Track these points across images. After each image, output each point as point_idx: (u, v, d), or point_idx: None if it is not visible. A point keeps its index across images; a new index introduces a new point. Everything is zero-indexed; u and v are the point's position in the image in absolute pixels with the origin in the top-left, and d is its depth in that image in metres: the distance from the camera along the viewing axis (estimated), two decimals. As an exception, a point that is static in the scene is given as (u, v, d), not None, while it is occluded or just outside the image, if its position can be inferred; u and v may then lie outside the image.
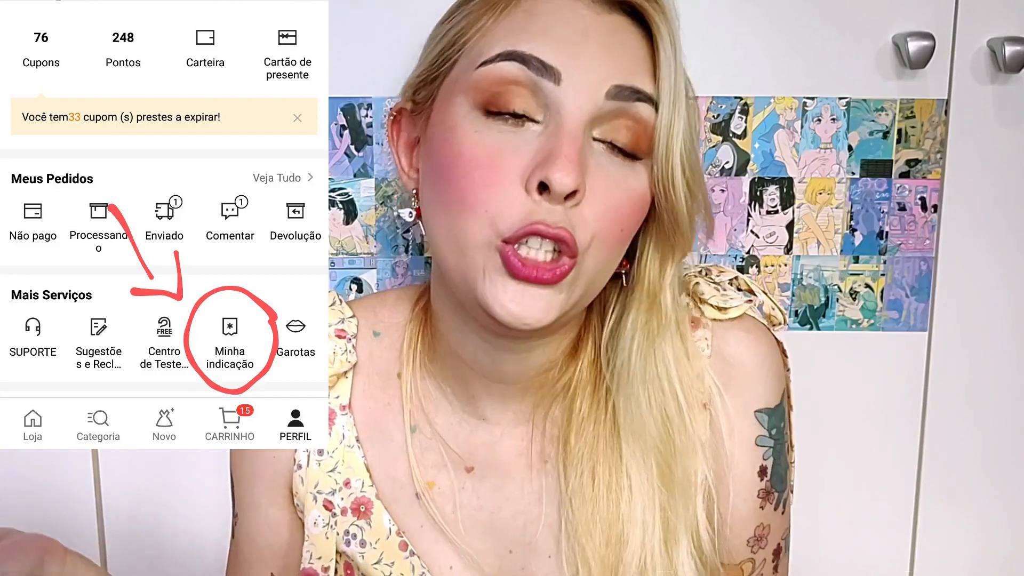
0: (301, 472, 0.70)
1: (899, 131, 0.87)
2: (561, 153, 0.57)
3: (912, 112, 0.86)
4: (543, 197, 0.58)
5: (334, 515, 0.70)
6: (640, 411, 0.66)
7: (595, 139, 0.61)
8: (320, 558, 0.71)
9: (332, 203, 0.86)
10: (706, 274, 0.73)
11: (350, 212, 0.86)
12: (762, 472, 0.71)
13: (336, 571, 0.71)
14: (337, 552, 0.71)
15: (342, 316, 0.72)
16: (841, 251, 0.89)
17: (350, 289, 0.87)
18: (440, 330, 0.69)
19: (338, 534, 0.70)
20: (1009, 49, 0.83)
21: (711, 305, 0.71)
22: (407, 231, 0.87)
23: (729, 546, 0.71)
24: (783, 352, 0.73)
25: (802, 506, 0.91)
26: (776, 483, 0.72)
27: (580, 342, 0.71)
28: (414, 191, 0.67)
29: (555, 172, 0.57)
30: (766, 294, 0.74)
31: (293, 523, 0.73)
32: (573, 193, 0.58)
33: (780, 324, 0.74)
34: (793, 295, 0.89)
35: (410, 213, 0.68)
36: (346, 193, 0.85)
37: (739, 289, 0.73)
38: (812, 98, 0.86)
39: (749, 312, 0.71)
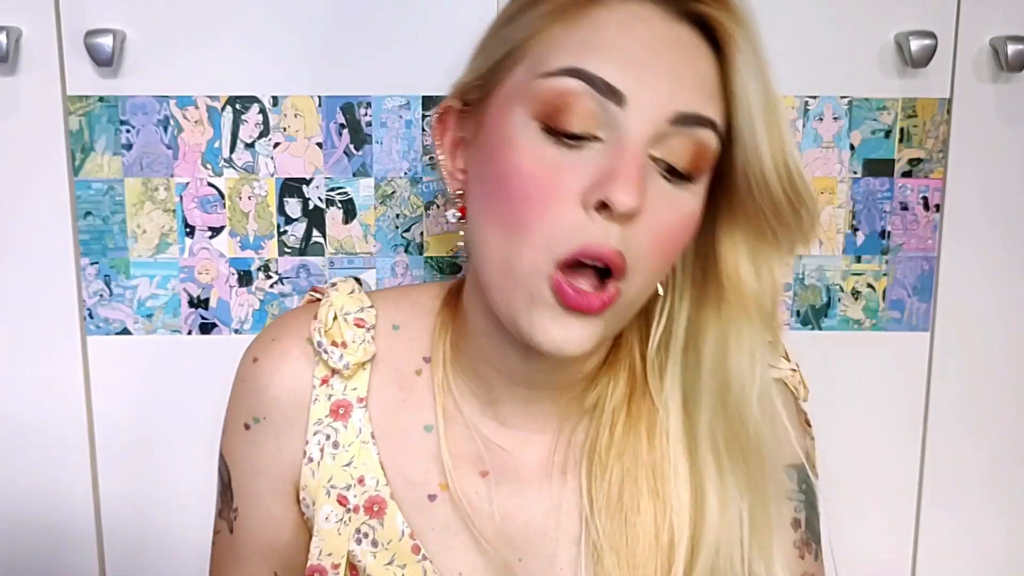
0: (312, 465, 0.69)
1: (901, 130, 0.86)
2: (623, 173, 0.56)
3: (914, 111, 0.86)
4: (601, 215, 0.57)
5: (348, 511, 0.69)
6: (739, 426, 0.65)
7: (652, 158, 0.59)
8: (331, 554, 0.69)
9: (331, 203, 0.85)
10: None
11: (349, 212, 0.86)
12: (795, 524, 0.71)
13: (344, 574, 0.70)
14: (346, 557, 0.69)
15: (362, 305, 0.71)
16: (843, 251, 0.89)
17: (350, 289, 0.87)
18: (470, 331, 0.68)
19: (351, 531, 0.69)
20: (1011, 48, 0.83)
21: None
22: (407, 230, 0.87)
23: None
24: (807, 423, 0.75)
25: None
26: (812, 536, 0.73)
27: (616, 360, 0.70)
28: (459, 192, 0.66)
29: (617, 192, 0.56)
30: (797, 367, 0.75)
31: (295, 521, 0.71)
32: (632, 213, 0.57)
33: (803, 399, 0.75)
34: (795, 295, 0.89)
35: (455, 215, 0.66)
36: (345, 192, 0.85)
37: (779, 354, 0.73)
38: (814, 97, 0.86)
39: (785, 380, 0.73)
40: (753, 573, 0.66)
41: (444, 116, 0.66)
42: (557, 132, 0.58)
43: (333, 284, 0.72)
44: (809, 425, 0.76)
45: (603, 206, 0.57)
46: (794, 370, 0.74)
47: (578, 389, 0.69)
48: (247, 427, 0.70)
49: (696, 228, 0.62)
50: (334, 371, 0.69)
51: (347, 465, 0.69)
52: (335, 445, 0.69)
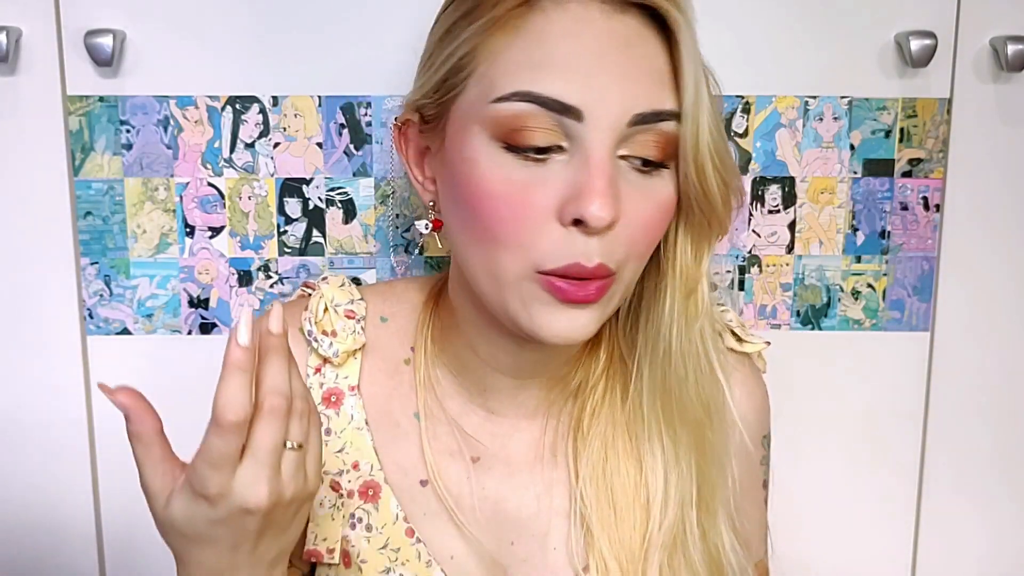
0: None
1: (901, 130, 0.86)
2: (593, 187, 0.57)
3: (914, 111, 0.86)
4: (579, 230, 0.58)
5: (341, 496, 0.70)
6: (682, 387, 0.68)
7: (620, 157, 0.60)
8: (325, 539, 0.70)
9: (331, 202, 0.85)
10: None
11: (349, 212, 0.86)
12: (764, 485, 0.77)
13: (338, 558, 0.71)
14: (340, 542, 0.71)
15: (351, 297, 0.72)
16: (843, 251, 0.88)
17: (350, 289, 0.87)
18: (458, 325, 0.69)
19: (344, 516, 0.70)
20: (1011, 48, 0.83)
21: (733, 334, 0.74)
22: (407, 230, 0.86)
23: (750, 546, 0.74)
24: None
25: (803, 507, 0.91)
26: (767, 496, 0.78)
27: (598, 338, 0.72)
28: (431, 203, 0.66)
29: (590, 207, 0.56)
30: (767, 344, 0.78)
31: None
32: (610, 224, 0.58)
33: (763, 371, 0.78)
34: (795, 295, 0.89)
35: (426, 225, 0.67)
36: (345, 192, 0.85)
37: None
38: (814, 97, 0.86)
39: (762, 354, 0.76)
40: (705, 531, 0.69)
41: (404, 129, 0.67)
42: (520, 150, 0.58)
43: (324, 278, 0.74)
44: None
45: (578, 222, 0.57)
46: (768, 343, 0.76)
47: (564, 372, 0.71)
48: None
49: (675, 207, 0.63)
50: (325, 360, 0.70)
51: (340, 451, 0.70)
52: (327, 432, 0.70)
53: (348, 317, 0.71)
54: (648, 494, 0.69)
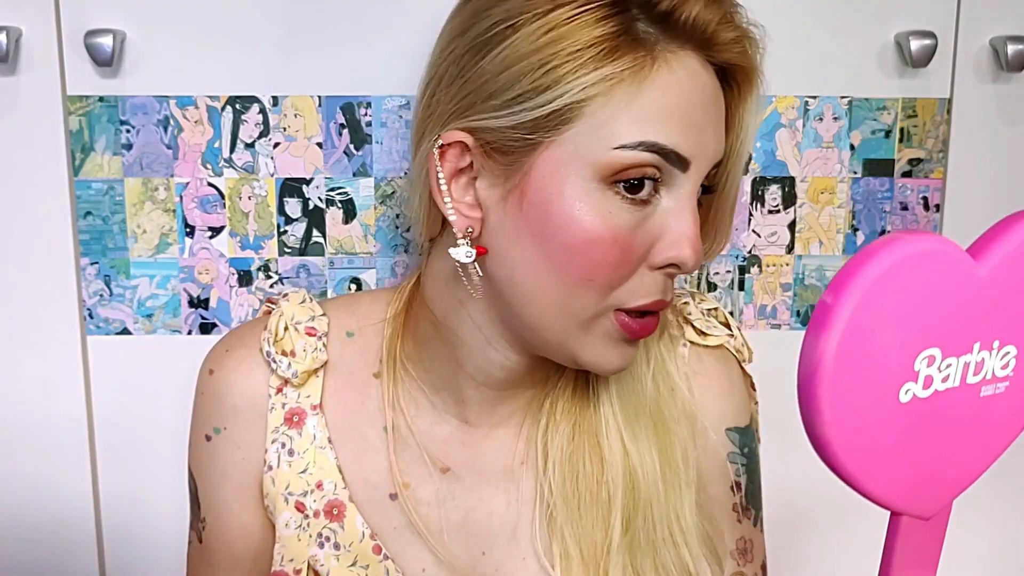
0: (272, 473, 0.70)
1: (901, 130, 0.86)
2: (692, 233, 0.60)
3: (914, 111, 0.86)
4: (666, 272, 0.61)
5: (306, 517, 0.70)
6: (638, 386, 0.70)
7: None
8: (292, 560, 0.70)
9: (331, 203, 0.85)
10: (694, 297, 0.77)
11: (349, 212, 0.86)
12: (736, 487, 0.74)
13: None
14: (307, 563, 0.71)
15: (312, 314, 0.72)
16: (843, 251, 0.89)
17: (349, 289, 0.87)
18: (440, 337, 0.68)
19: (311, 536, 0.70)
20: (1011, 48, 0.83)
21: (694, 327, 0.75)
22: (407, 230, 0.86)
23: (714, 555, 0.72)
24: (752, 386, 0.77)
25: (803, 507, 0.91)
26: (751, 501, 0.75)
27: None
28: (469, 229, 0.62)
29: (688, 253, 0.60)
30: (738, 330, 0.77)
31: (264, 526, 0.72)
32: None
33: (747, 361, 0.77)
34: (795, 295, 0.89)
35: (468, 254, 0.62)
36: (345, 192, 0.85)
37: (718, 321, 0.76)
38: (814, 97, 0.86)
39: (726, 345, 0.75)
40: (670, 527, 0.68)
41: (444, 148, 0.62)
42: (626, 196, 0.59)
43: (284, 295, 0.74)
44: (754, 388, 0.78)
45: (672, 265, 0.61)
46: (731, 335, 0.76)
47: (544, 381, 0.71)
48: (208, 438, 0.71)
49: None
50: (286, 380, 0.70)
51: (303, 472, 0.70)
52: (290, 452, 0.70)
53: (309, 335, 0.70)
54: (609, 491, 0.69)
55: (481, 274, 0.63)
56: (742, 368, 0.76)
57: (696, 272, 0.87)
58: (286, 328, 0.70)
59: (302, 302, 0.72)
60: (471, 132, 0.61)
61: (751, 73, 0.63)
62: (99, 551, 0.90)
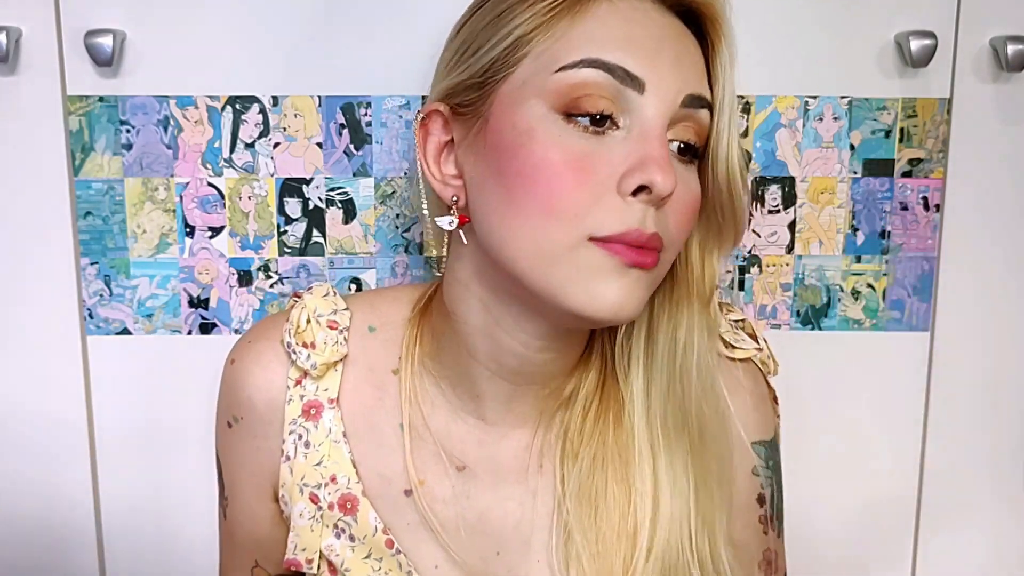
0: (289, 463, 0.70)
1: (901, 130, 0.86)
2: (657, 156, 0.59)
3: (914, 111, 0.86)
4: (638, 200, 0.59)
5: (320, 508, 0.70)
6: (685, 406, 0.68)
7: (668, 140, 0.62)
8: (304, 550, 0.71)
9: (331, 203, 0.85)
10: (721, 308, 0.75)
11: (349, 212, 0.86)
12: (760, 500, 0.74)
13: (319, 568, 0.71)
14: (320, 553, 0.71)
15: (335, 308, 0.72)
16: (843, 251, 0.88)
17: (349, 289, 0.87)
18: (454, 329, 0.68)
19: (326, 526, 0.70)
20: (1011, 48, 0.83)
21: (723, 339, 0.74)
22: (407, 230, 0.86)
23: (743, 570, 0.72)
24: (775, 399, 0.77)
25: (803, 507, 0.91)
26: (776, 513, 0.75)
27: (591, 350, 0.72)
28: (454, 198, 0.65)
29: (657, 174, 0.58)
30: (765, 342, 0.77)
31: (274, 516, 0.73)
32: (670, 193, 0.59)
33: (771, 373, 0.77)
34: (795, 295, 0.89)
35: (451, 222, 0.65)
36: (345, 192, 0.85)
37: (746, 333, 0.76)
38: (814, 97, 0.86)
39: (753, 359, 0.75)
40: (700, 551, 0.67)
41: (426, 122, 0.66)
42: (579, 118, 0.60)
43: (309, 288, 0.74)
44: (776, 402, 0.77)
45: (641, 190, 0.59)
46: (759, 348, 0.75)
47: (560, 381, 0.71)
48: (229, 425, 0.72)
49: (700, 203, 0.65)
50: (305, 372, 0.70)
51: (318, 464, 0.70)
52: (307, 444, 0.70)
53: (331, 328, 0.70)
54: (635, 522, 0.68)
55: (466, 242, 0.65)
56: (767, 381, 0.76)
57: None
58: (308, 320, 0.70)
59: (325, 295, 0.73)
60: (443, 99, 0.65)
61: (713, 15, 0.63)
62: (99, 551, 0.90)
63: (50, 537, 0.89)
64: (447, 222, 0.65)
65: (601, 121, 0.60)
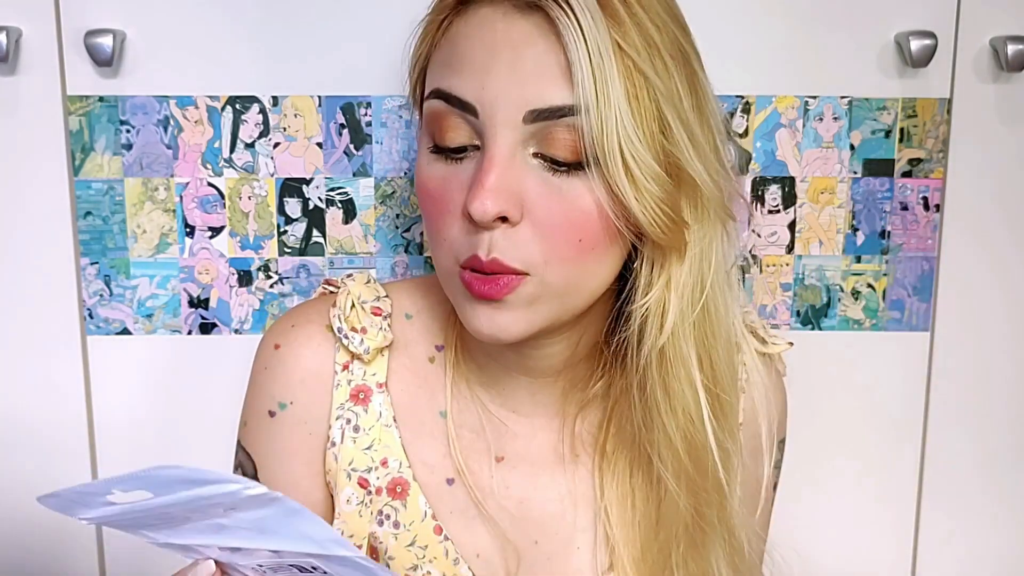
0: (335, 449, 0.70)
1: (901, 130, 0.86)
2: (480, 181, 0.58)
3: (914, 111, 0.86)
4: (474, 227, 0.59)
5: (369, 493, 0.70)
6: (667, 421, 0.66)
7: (534, 155, 0.59)
8: (352, 536, 0.70)
9: (331, 203, 0.85)
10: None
11: (349, 212, 0.86)
12: (774, 488, 0.77)
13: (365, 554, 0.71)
14: (367, 539, 0.71)
15: (377, 295, 0.72)
16: (843, 251, 0.88)
17: (350, 289, 0.87)
18: None
19: (372, 513, 0.70)
20: (1011, 48, 0.83)
21: (756, 335, 0.74)
22: (407, 230, 0.86)
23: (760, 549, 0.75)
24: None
25: (802, 507, 0.91)
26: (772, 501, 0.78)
27: (618, 347, 0.70)
28: None
29: (473, 201, 0.58)
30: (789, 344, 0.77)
31: (327, 502, 0.72)
32: (504, 219, 0.58)
33: (783, 374, 0.78)
34: (795, 295, 0.89)
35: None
36: (345, 192, 0.85)
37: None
38: (814, 97, 0.86)
39: (782, 355, 0.76)
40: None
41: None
42: (441, 149, 0.61)
43: (349, 275, 0.74)
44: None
45: (468, 216, 0.59)
46: (791, 343, 0.76)
47: (579, 375, 0.70)
48: (272, 414, 0.70)
49: (607, 213, 0.59)
50: (354, 356, 0.70)
51: (368, 448, 0.70)
52: (356, 429, 0.70)
53: (375, 314, 0.70)
54: (669, 533, 0.69)
55: None
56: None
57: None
58: (352, 306, 0.70)
59: (367, 282, 0.73)
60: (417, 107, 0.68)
61: (556, 13, 0.56)
62: (99, 551, 0.90)
63: (50, 537, 0.89)
64: None
65: (458, 150, 0.61)
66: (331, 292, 0.73)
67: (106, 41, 0.79)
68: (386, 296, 0.72)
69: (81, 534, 0.89)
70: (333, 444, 0.70)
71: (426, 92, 0.62)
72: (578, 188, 0.59)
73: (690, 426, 0.66)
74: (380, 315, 0.71)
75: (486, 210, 0.57)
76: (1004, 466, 0.93)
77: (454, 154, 0.61)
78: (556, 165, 0.59)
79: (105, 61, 0.80)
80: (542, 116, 0.58)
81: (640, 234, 0.61)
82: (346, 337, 0.69)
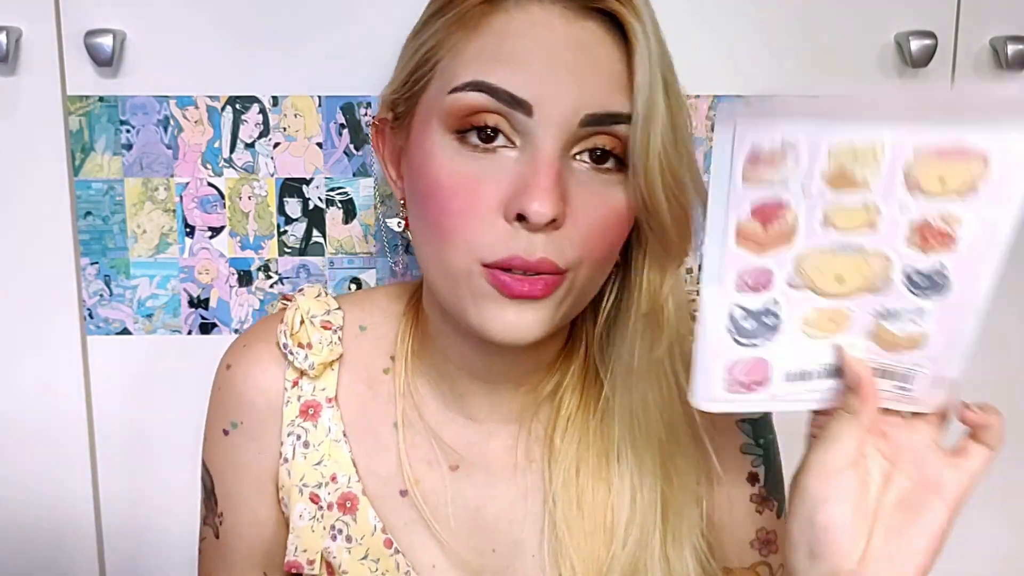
0: (288, 465, 0.70)
1: (901, 130, 0.86)
2: (538, 183, 0.57)
3: (914, 111, 0.86)
4: (522, 225, 0.58)
5: (320, 508, 0.70)
6: (644, 409, 0.67)
7: (576, 157, 0.60)
8: (305, 551, 0.71)
9: (331, 203, 0.85)
10: None
11: (349, 212, 0.86)
12: (752, 478, 0.73)
13: (320, 569, 0.71)
14: (321, 554, 0.71)
15: (328, 308, 0.72)
16: (843, 251, 0.88)
17: (349, 289, 0.87)
18: (429, 331, 0.69)
19: (324, 528, 0.70)
20: (1011, 48, 0.83)
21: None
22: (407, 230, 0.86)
23: (728, 549, 0.72)
24: None
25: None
26: (772, 491, 0.74)
27: (572, 345, 0.71)
28: (402, 201, 0.67)
29: (532, 203, 0.57)
30: None
31: (278, 520, 0.73)
32: (552, 220, 0.58)
33: None
34: (795, 295, 0.89)
35: (399, 223, 0.68)
36: (345, 192, 0.85)
37: None
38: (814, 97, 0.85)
39: None
40: (668, 557, 0.68)
41: (380, 129, 0.67)
42: (471, 139, 0.59)
43: (300, 290, 0.74)
44: None
45: (521, 217, 0.58)
46: None
47: (538, 377, 0.71)
48: (226, 432, 0.71)
49: (632, 217, 0.62)
50: (302, 372, 0.70)
51: (318, 464, 0.70)
52: (306, 445, 0.70)
53: (324, 328, 0.71)
54: (613, 516, 0.68)
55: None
56: None
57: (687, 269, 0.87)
58: (302, 321, 0.70)
59: (317, 296, 0.73)
60: (390, 107, 0.66)
61: (626, 18, 0.59)
62: (99, 551, 0.90)
63: (50, 537, 0.89)
64: (395, 223, 0.68)
65: (491, 136, 0.59)
66: (286, 307, 0.73)
67: (106, 41, 0.79)
68: (338, 309, 0.72)
69: (81, 534, 0.89)
70: (286, 460, 0.70)
71: (454, 83, 0.59)
72: (616, 190, 0.61)
73: (673, 411, 0.67)
74: (330, 329, 0.71)
75: (546, 212, 0.57)
76: (1003, 466, 0.93)
77: (486, 142, 0.59)
78: (598, 168, 0.60)
79: (105, 61, 0.80)
80: (597, 121, 0.59)
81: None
82: (291, 353, 0.69)
